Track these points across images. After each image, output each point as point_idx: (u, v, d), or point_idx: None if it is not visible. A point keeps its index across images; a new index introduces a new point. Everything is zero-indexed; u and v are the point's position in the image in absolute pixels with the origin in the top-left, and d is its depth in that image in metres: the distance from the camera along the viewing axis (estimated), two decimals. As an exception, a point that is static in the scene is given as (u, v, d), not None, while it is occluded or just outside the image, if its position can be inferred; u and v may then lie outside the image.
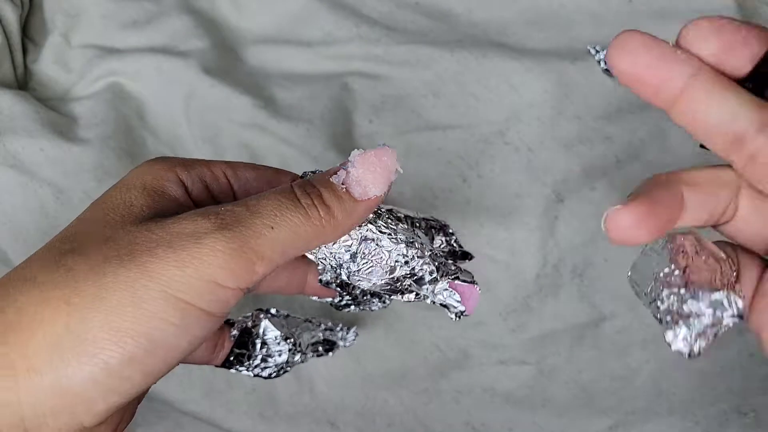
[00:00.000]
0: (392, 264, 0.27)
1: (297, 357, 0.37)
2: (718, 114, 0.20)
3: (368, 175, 0.24)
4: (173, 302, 0.21)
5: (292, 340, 0.36)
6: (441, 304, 0.30)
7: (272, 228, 0.22)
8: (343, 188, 0.24)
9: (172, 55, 0.53)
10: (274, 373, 0.36)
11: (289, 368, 0.37)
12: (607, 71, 0.54)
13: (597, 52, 0.55)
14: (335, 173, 0.24)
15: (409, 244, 0.27)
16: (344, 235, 0.25)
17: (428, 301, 0.29)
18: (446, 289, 0.29)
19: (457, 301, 0.29)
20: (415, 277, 0.28)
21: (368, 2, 0.57)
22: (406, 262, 0.27)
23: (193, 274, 0.21)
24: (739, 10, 0.55)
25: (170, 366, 0.22)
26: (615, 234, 0.21)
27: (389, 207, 0.29)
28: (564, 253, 0.48)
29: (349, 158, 0.24)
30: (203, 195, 0.26)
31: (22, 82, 0.54)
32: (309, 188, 0.23)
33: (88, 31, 0.56)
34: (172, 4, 0.56)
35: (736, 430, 0.44)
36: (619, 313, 0.47)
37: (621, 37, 0.20)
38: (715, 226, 0.24)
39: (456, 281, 0.29)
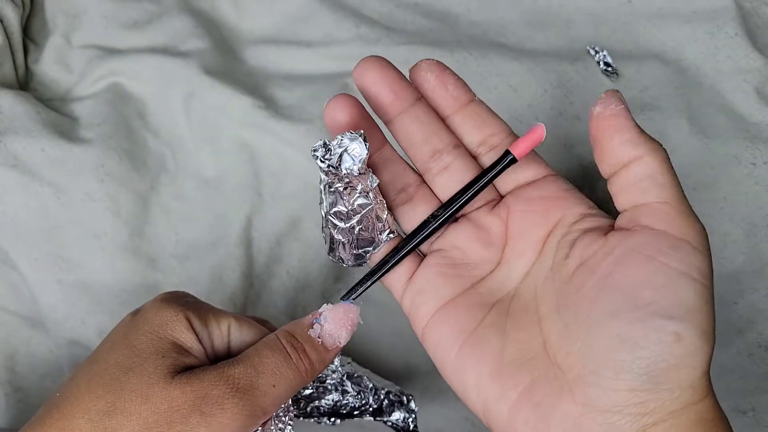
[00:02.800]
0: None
1: None
2: (419, 135, 0.29)
3: (338, 329, 0.29)
4: None
5: None
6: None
7: (274, 386, 0.28)
8: (319, 341, 0.29)
9: (172, 56, 0.53)
10: None
11: None
12: (606, 72, 0.54)
13: (596, 52, 0.55)
14: (311, 326, 0.30)
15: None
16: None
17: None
18: None
19: None
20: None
21: (368, 2, 0.58)
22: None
23: None
24: (738, 10, 0.55)
25: None
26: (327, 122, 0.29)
27: (359, 374, 0.40)
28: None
29: (320, 311, 0.30)
30: (207, 340, 0.30)
31: (24, 83, 0.54)
32: (296, 343, 0.29)
33: (89, 31, 0.56)
34: (172, 5, 0.57)
35: (736, 429, 0.44)
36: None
37: (366, 60, 0.28)
38: None
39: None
